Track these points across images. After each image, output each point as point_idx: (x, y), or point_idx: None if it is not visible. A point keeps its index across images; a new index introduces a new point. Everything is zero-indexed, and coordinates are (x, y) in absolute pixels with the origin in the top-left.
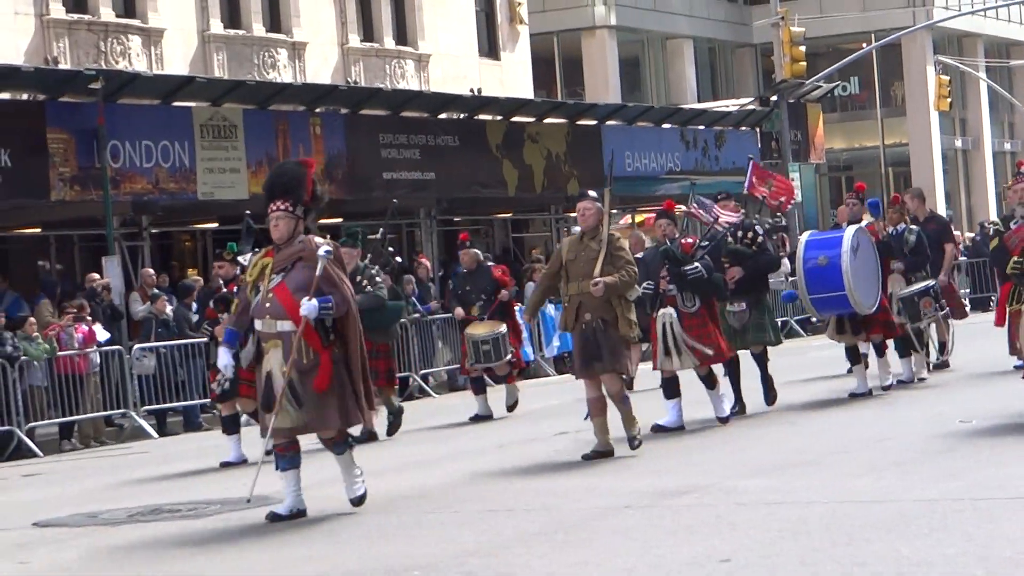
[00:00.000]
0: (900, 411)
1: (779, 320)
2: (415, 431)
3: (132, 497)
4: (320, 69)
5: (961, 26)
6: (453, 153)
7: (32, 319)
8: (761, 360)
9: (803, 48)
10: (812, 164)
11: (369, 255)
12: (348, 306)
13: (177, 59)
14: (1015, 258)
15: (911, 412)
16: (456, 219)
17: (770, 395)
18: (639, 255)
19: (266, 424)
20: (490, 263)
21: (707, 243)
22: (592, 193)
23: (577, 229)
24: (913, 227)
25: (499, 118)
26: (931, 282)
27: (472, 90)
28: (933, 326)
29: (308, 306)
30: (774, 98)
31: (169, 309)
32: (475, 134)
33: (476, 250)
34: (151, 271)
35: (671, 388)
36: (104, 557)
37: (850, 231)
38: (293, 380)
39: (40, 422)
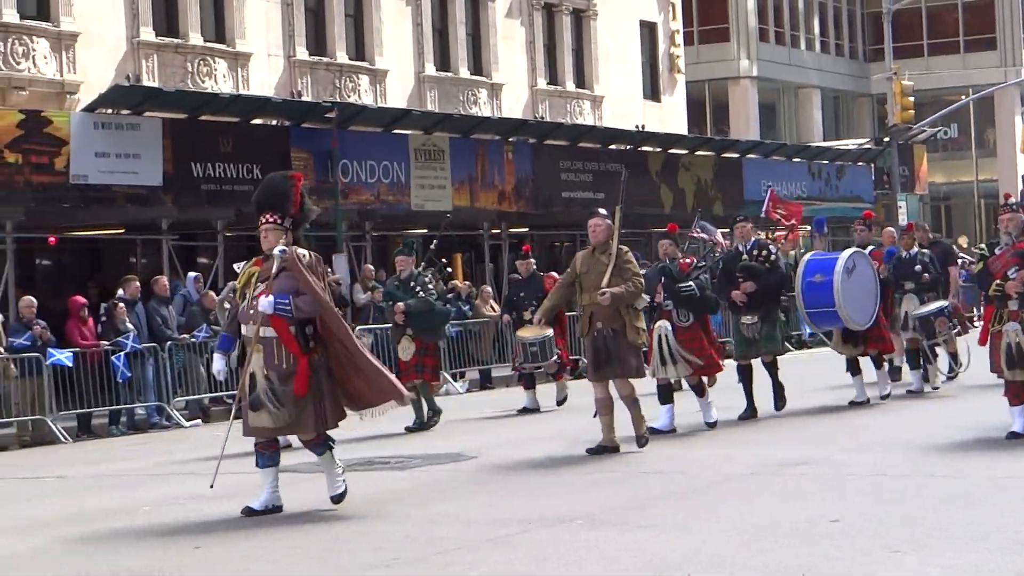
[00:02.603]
0: (957, 407)
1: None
2: (566, 410)
3: (350, 451)
4: (513, 106)
5: None
6: (620, 178)
7: None
8: (771, 369)
9: (912, 98)
10: (917, 195)
11: (423, 263)
12: (321, 309)
13: (397, 95)
14: (996, 281)
15: (973, 404)
16: (622, 231)
17: (780, 402)
18: (644, 271)
19: (247, 421)
20: (541, 273)
21: (703, 264)
22: (602, 211)
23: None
24: (926, 251)
25: (658, 150)
26: (944, 303)
27: (637, 126)
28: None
29: (264, 302)
30: (887, 139)
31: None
32: (638, 162)
33: (532, 260)
34: (371, 267)
35: (665, 394)
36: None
37: (845, 254)
38: (272, 382)
39: None
